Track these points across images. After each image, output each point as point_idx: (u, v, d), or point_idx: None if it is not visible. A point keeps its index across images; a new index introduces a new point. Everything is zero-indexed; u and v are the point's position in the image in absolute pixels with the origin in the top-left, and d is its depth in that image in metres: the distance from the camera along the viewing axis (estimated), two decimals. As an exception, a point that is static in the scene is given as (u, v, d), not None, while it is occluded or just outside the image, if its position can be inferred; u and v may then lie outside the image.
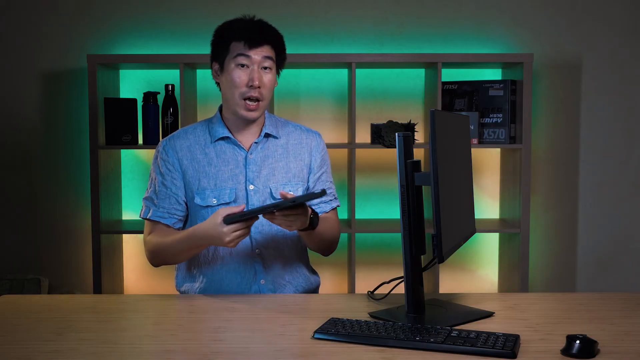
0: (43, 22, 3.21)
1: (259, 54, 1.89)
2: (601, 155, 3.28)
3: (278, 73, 2.00)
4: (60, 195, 3.26)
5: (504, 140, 3.04)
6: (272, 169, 1.97)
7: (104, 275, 3.01)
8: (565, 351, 1.34)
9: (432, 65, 3.05)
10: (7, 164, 3.26)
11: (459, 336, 1.39)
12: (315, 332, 1.46)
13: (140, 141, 3.15)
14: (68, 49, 3.22)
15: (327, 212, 2.04)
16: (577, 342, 1.33)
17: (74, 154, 3.25)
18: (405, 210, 1.59)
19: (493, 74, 3.26)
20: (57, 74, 3.23)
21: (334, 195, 2.07)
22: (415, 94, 3.27)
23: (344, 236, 3.27)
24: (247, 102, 1.89)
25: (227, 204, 1.92)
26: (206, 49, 2.06)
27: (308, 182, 2.03)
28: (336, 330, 1.45)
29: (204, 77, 3.20)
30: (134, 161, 3.27)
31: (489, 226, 3.08)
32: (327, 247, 2.03)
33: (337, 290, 3.32)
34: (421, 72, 3.26)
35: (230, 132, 1.97)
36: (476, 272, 3.35)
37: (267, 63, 1.91)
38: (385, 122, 3.12)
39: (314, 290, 2.11)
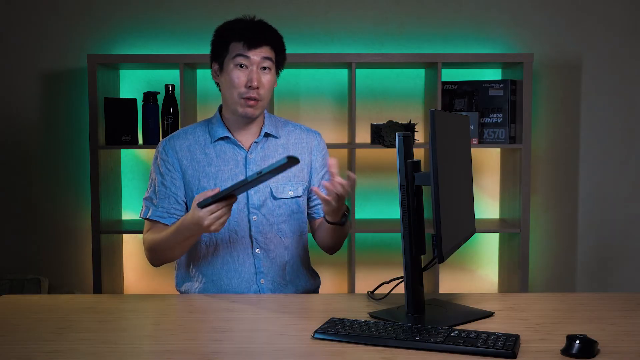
0: (43, 22, 3.21)
1: (258, 55, 1.89)
2: (601, 155, 3.28)
3: (278, 73, 2.00)
4: (60, 195, 3.26)
5: (504, 140, 3.04)
6: None
7: (104, 275, 3.01)
8: (565, 351, 1.34)
9: (432, 65, 3.05)
10: (7, 164, 3.26)
11: (459, 336, 1.39)
12: (315, 332, 1.46)
13: (140, 141, 3.15)
14: (68, 49, 3.22)
15: None
16: (577, 342, 1.33)
17: (74, 154, 3.25)
18: (405, 210, 1.58)
19: (493, 74, 3.26)
20: (57, 74, 3.23)
21: None
22: (415, 94, 3.27)
23: (344, 236, 3.27)
24: (248, 100, 1.89)
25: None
26: (206, 49, 2.06)
27: (310, 181, 2.03)
28: (336, 330, 1.45)
29: (204, 77, 3.20)
30: (134, 161, 3.28)
31: (489, 226, 3.08)
32: (338, 246, 2.04)
33: (337, 290, 3.32)
34: (421, 72, 3.26)
35: (230, 132, 1.97)
36: (476, 272, 3.35)
37: (266, 64, 1.91)
38: (385, 122, 3.12)
39: (314, 290, 2.11)
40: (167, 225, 1.94)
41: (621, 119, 3.27)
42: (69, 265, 3.27)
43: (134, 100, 3.06)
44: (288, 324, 1.57)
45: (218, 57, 1.94)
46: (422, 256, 1.64)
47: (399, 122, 3.05)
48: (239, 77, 1.89)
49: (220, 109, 2.02)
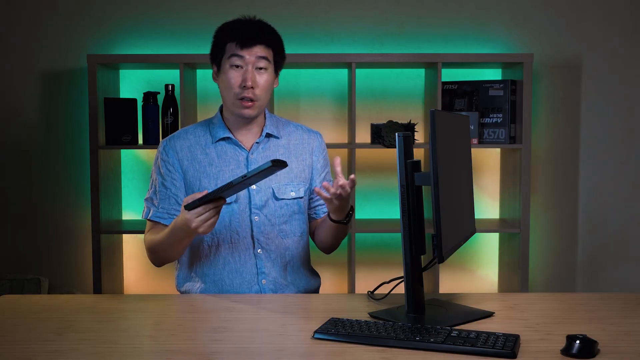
0: (43, 22, 3.21)
1: (252, 54, 1.89)
2: (601, 155, 3.28)
3: (277, 73, 1.99)
4: (60, 195, 3.26)
5: (504, 140, 3.04)
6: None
7: (104, 275, 3.01)
8: (565, 351, 1.34)
9: (432, 65, 3.05)
10: (7, 164, 3.26)
11: (459, 336, 1.39)
12: (315, 332, 1.46)
13: (140, 141, 3.15)
14: (68, 49, 3.22)
15: None
16: (577, 342, 1.33)
17: (74, 154, 3.25)
18: (405, 210, 1.58)
19: (493, 74, 3.26)
20: (57, 74, 3.23)
21: None
22: (415, 94, 3.27)
23: (344, 236, 3.27)
24: (242, 101, 1.89)
25: (229, 204, 1.92)
26: (206, 49, 2.06)
27: (312, 182, 2.03)
28: (336, 330, 1.45)
29: (204, 77, 3.20)
30: (134, 161, 3.27)
31: (489, 226, 3.08)
32: (336, 245, 2.05)
33: (337, 290, 3.32)
34: (421, 72, 3.26)
35: (231, 132, 1.97)
36: (476, 272, 3.35)
37: (262, 63, 1.90)
38: (385, 122, 3.12)
39: (315, 290, 2.11)
40: (167, 226, 1.94)
41: (621, 119, 3.27)
42: (69, 265, 3.27)
43: (134, 100, 3.06)
44: (288, 324, 1.57)
45: (215, 58, 1.95)
46: (422, 256, 1.64)
47: (399, 122, 3.05)
48: (234, 77, 1.89)
49: (221, 109, 2.02)
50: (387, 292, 1.78)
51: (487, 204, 3.33)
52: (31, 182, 3.26)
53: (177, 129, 3.02)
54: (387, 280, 1.81)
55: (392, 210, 3.28)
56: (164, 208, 1.95)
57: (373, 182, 3.27)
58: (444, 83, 3.12)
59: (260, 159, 1.96)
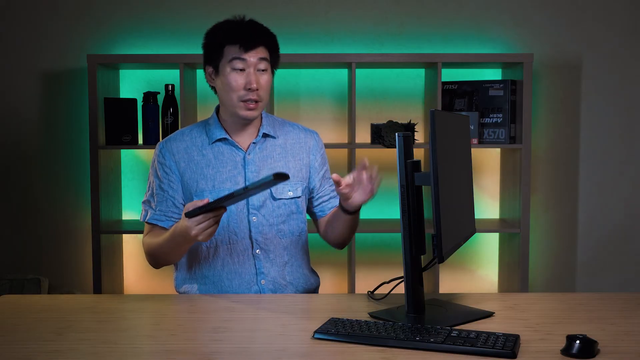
0: (43, 22, 3.21)
1: (255, 57, 1.89)
2: (601, 155, 3.28)
3: (273, 72, 1.99)
4: (60, 195, 3.26)
5: (504, 140, 3.04)
6: (271, 169, 1.96)
7: (104, 275, 3.01)
8: (565, 351, 1.34)
9: (432, 65, 3.05)
10: (7, 164, 3.26)
11: (459, 336, 1.39)
12: (315, 332, 1.46)
13: (140, 141, 3.15)
14: (68, 49, 3.22)
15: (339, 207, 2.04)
16: (577, 342, 1.33)
17: (74, 154, 3.25)
18: (405, 210, 1.59)
19: (493, 74, 3.26)
20: (57, 74, 3.23)
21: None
22: (415, 94, 3.27)
23: (344, 236, 3.27)
24: (247, 103, 1.89)
25: None
26: (206, 49, 2.05)
27: (310, 181, 2.03)
28: (336, 330, 1.45)
29: (204, 77, 3.20)
30: (134, 161, 3.28)
31: (489, 226, 3.08)
32: (349, 238, 2.04)
33: (337, 290, 3.32)
34: (421, 72, 3.26)
35: (228, 133, 1.97)
36: (476, 272, 3.35)
37: (263, 65, 1.90)
38: (385, 122, 3.12)
39: (314, 290, 2.11)
40: (165, 228, 1.94)
41: (621, 119, 3.27)
42: (69, 265, 3.27)
43: (134, 100, 3.06)
44: (288, 324, 1.57)
45: (212, 60, 1.93)
46: (422, 256, 1.64)
47: (399, 122, 3.05)
48: (237, 80, 1.88)
49: (217, 110, 2.01)
50: (387, 292, 1.78)
51: (487, 204, 3.33)
52: (31, 182, 3.26)
53: (177, 128, 3.02)
54: (387, 280, 1.81)
55: (392, 210, 3.28)
56: (162, 210, 1.95)
57: (373, 182, 3.27)
58: (444, 83, 3.12)
59: (257, 159, 1.96)
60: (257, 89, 1.88)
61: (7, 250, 3.27)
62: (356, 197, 1.82)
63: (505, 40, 3.25)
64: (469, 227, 1.83)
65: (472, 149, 3.10)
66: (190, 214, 1.67)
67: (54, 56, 3.22)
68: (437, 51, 3.23)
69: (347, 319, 1.51)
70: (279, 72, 3.22)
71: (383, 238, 3.29)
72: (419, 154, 3.21)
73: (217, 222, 1.70)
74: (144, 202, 1.99)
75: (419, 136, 3.20)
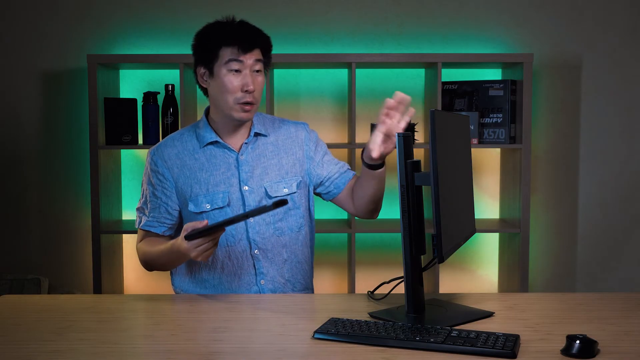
0: (43, 22, 3.21)
1: (251, 58, 1.88)
2: (601, 155, 3.28)
3: (266, 73, 1.99)
4: (60, 195, 3.26)
5: (504, 140, 3.04)
6: (265, 167, 1.96)
7: (104, 275, 3.01)
8: (565, 351, 1.34)
9: (432, 65, 3.05)
10: (7, 164, 3.26)
11: (459, 336, 1.39)
12: (315, 332, 1.46)
13: (140, 141, 3.15)
14: (68, 49, 3.22)
15: (352, 180, 2.04)
16: (577, 342, 1.33)
17: (74, 154, 3.25)
18: (405, 210, 1.59)
19: (493, 74, 3.26)
20: (57, 74, 3.23)
21: (348, 167, 2.08)
22: (415, 94, 3.27)
23: (343, 236, 3.27)
24: (243, 105, 1.89)
25: (221, 208, 1.92)
26: (206, 49, 2.05)
27: (311, 171, 2.02)
28: (336, 330, 1.45)
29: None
30: (134, 161, 3.28)
31: (489, 226, 3.08)
32: (381, 199, 2.00)
33: (337, 290, 3.32)
34: (421, 72, 3.26)
35: (219, 135, 1.96)
36: (476, 272, 3.35)
37: (258, 66, 1.90)
38: (385, 122, 3.12)
39: (311, 287, 2.10)
40: (158, 234, 1.96)
41: (621, 119, 3.27)
42: (69, 265, 3.27)
43: (134, 100, 3.06)
44: (288, 324, 1.57)
45: (206, 62, 1.91)
46: (422, 256, 1.64)
47: (399, 122, 3.05)
48: (233, 82, 1.87)
49: (207, 112, 2.01)
50: (387, 292, 1.78)
51: (487, 204, 3.33)
52: (31, 182, 3.26)
53: (177, 128, 3.02)
54: (387, 280, 1.81)
55: (392, 210, 3.28)
56: (155, 217, 1.96)
57: (373, 182, 3.27)
58: (444, 83, 3.12)
59: (250, 159, 1.95)
60: (253, 91, 1.88)
61: (7, 250, 3.27)
62: (385, 150, 1.82)
63: (505, 40, 3.25)
64: (469, 227, 1.83)
65: (472, 149, 3.10)
66: (189, 237, 1.69)
67: (54, 56, 3.22)
68: (437, 51, 3.23)
69: (347, 319, 1.51)
70: (279, 72, 3.23)
71: (383, 238, 3.29)
72: (419, 154, 3.21)
73: (216, 244, 1.72)
74: (137, 209, 2.02)
75: (419, 136, 3.20)
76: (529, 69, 2.98)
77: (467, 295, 1.83)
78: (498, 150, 3.30)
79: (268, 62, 1.97)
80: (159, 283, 3.26)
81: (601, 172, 3.29)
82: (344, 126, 3.27)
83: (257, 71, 1.90)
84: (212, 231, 1.68)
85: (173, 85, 3.07)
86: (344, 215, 3.23)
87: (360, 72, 3.22)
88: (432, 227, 1.52)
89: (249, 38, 1.88)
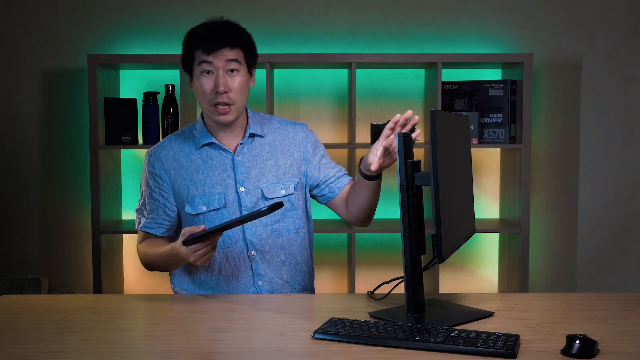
0: (43, 22, 3.21)
1: (221, 59, 1.85)
2: (601, 155, 3.28)
3: (251, 73, 1.96)
4: (60, 195, 3.26)
5: (504, 140, 3.04)
6: (262, 168, 1.96)
7: (104, 275, 3.01)
8: (565, 351, 1.34)
9: (432, 65, 3.05)
10: (7, 164, 3.26)
11: (459, 336, 1.39)
12: (315, 332, 1.46)
13: (140, 141, 3.15)
14: (68, 49, 3.22)
15: (348, 185, 2.05)
16: (577, 342, 1.33)
17: (74, 154, 3.25)
18: (405, 210, 1.59)
19: (493, 74, 3.26)
20: (57, 74, 3.23)
21: (344, 172, 2.08)
22: (415, 94, 3.27)
23: (343, 236, 3.27)
24: (218, 107, 1.87)
25: (217, 209, 1.92)
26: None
27: (307, 172, 2.01)
28: (336, 330, 1.45)
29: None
30: (134, 161, 3.28)
31: (489, 226, 3.08)
32: (374, 208, 2.03)
33: (337, 290, 3.32)
34: (421, 72, 3.26)
35: (214, 137, 1.96)
36: (476, 272, 3.35)
37: (233, 65, 1.87)
38: (385, 122, 3.12)
39: (311, 288, 2.10)
40: (157, 235, 1.98)
41: (621, 119, 3.27)
42: (69, 265, 3.27)
43: (134, 100, 3.06)
44: (288, 324, 1.57)
45: (186, 66, 1.92)
46: (422, 256, 1.64)
47: (399, 122, 3.05)
48: (206, 83, 1.86)
49: (203, 114, 2.01)
50: (387, 292, 1.78)
51: (487, 204, 3.33)
52: (31, 182, 3.26)
53: (177, 128, 3.02)
54: (387, 280, 1.81)
55: (392, 210, 3.28)
56: (153, 218, 1.97)
57: (373, 182, 3.27)
58: (444, 83, 3.12)
59: (246, 160, 1.95)
60: (225, 92, 1.86)
61: (7, 250, 3.27)
62: (384, 163, 1.83)
63: (505, 40, 3.25)
64: (469, 227, 1.83)
65: (472, 149, 3.10)
66: (186, 242, 1.70)
67: (54, 56, 3.22)
68: (437, 51, 3.23)
69: (347, 319, 1.51)
70: (279, 72, 3.23)
71: (383, 238, 3.29)
72: (419, 154, 3.21)
73: (214, 248, 1.73)
74: (137, 210, 2.03)
75: (419, 136, 3.20)
76: (529, 69, 2.98)
77: (467, 295, 1.83)
78: (498, 150, 3.30)
79: (251, 62, 1.93)
80: (159, 283, 3.26)
81: (601, 172, 3.29)
82: (344, 126, 3.27)
83: (233, 71, 1.87)
84: (209, 235, 1.69)
85: (173, 85, 3.07)
86: (344, 215, 3.23)
87: (360, 72, 3.22)
88: (432, 227, 1.52)
89: (216, 38, 1.86)
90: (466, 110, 3.09)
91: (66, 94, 3.24)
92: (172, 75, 3.18)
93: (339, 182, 2.04)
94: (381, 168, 1.85)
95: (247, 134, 1.96)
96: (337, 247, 3.31)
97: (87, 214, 3.20)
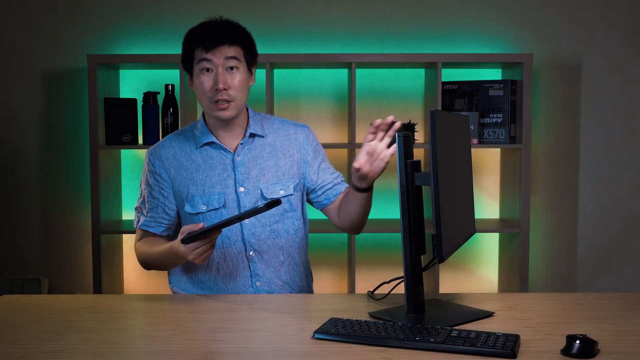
0: (43, 22, 3.21)
1: (220, 56, 1.86)
2: (601, 155, 3.28)
3: (252, 71, 1.96)
4: (60, 195, 3.26)
5: (504, 140, 3.04)
6: (262, 168, 1.95)
7: (104, 275, 3.01)
8: (565, 351, 1.34)
9: (432, 65, 3.05)
10: (7, 164, 3.26)
11: (459, 336, 1.39)
12: (315, 332, 1.46)
13: (140, 141, 3.15)
14: (68, 49, 3.22)
15: (344, 192, 2.03)
16: (577, 342, 1.33)
17: (74, 154, 3.25)
18: (405, 210, 1.59)
19: (493, 74, 3.26)
20: (57, 74, 3.23)
21: (341, 178, 2.07)
22: (415, 94, 3.27)
23: (343, 236, 3.27)
24: (218, 103, 1.88)
25: (217, 209, 1.91)
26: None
27: (306, 175, 2.01)
28: (336, 330, 1.45)
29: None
30: (134, 161, 3.28)
31: (489, 226, 3.08)
32: (365, 220, 2.00)
33: (337, 290, 3.32)
34: (421, 72, 3.26)
35: (215, 136, 1.96)
36: (476, 272, 3.35)
37: (232, 63, 1.88)
38: (385, 122, 3.12)
39: (309, 289, 2.10)
40: (156, 234, 1.97)
41: (621, 119, 3.28)
42: (69, 265, 3.27)
43: (134, 100, 3.06)
44: (288, 324, 1.57)
45: (187, 66, 1.93)
46: (422, 256, 1.64)
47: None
48: (206, 81, 1.87)
49: (204, 113, 2.01)
50: (387, 292, 1.78)
51: (487, 204, 3.33)
52: (31, 182, 3.26)
53: (177, 128, 3.01)
54: (387, 280, 1.81)
55: (392, 210, 3.28)
56: (152, 217, 1.96)
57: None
58: (444, 83, 3.12)
59: (246, 160, 1.95)
60: (225, 89, 1.86)
61: (7, 250, 3.27)
62: (370, 172, 1.79)
63: (505, 40, 3.25)
64: (469, 227, 1.83)
65: (472, 149, 3.10)
66: (185, 241, 1.70)
67: (54, 56, 3.22)
68: (437, 51, 3.23)
69: (347, 319, 1.51)
70: (279, 72, 3.23)
71: (383, 238, 3.29)
72: (419, 154, 3.21)
73: (212, 247, 1.73)
74: (136, 209, 2.02)
75: (419, 136, 3.20)
76: (529, 69, 2.98)
77: (467, 295, 1.83)
78: (498, 150, 3.30)
79: (250, 60, 1.94)
80: (159, 283, 3.26)
81: (601, 172, 3.29)
82: (344, 126, 3.27)
83: (232, 68, 1.88)
84: (208, 234, 1.69)
85: (173, 85, 3.07)
86: (344, 215, 3.23)
87: (360, 72, 3.22)
88: (432, 227, 1.52)
89: (215, 36, 1.87)
90: (466, 110, 3.09)
91: (66, 94, 3.24)
92: (172, 75, 3.19)
93: (335, 190, 2.03)
94: (370, 178, 1.80)
95: (248, 134, 1.96)
96: (337, 247, 3.31)
97: (87, 214, 3.20)
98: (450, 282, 3.30)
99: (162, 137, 2.97)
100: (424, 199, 1.62)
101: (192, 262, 1.74)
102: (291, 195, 1.98)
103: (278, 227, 1.96)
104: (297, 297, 1.86)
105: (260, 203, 1.58)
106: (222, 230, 1.91)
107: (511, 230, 3.03)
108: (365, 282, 3.08)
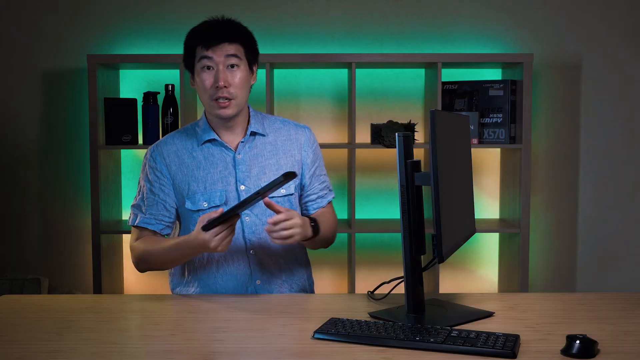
0: (43, 22, 3.21)
1: (220, 54, 1.87)
2: (601, 155, 3.28)
3: (253, 70, 1.97)
4: (60, 195, 3.26)
5: (504, 140, 3.04)
6: (262, 167, 1.96)
7: (104, 275, 3.01)
8: (565, 351, 1.34)
9: (432, 65, 3.05)
10: (6, 164, 3.26)
11: (459, 336, 1.39)
12: (315, 332, 1.46)
13: (140, 141, 3.15)
14: (68, 49, 3.22)
15: (324, 207, 2.03)
16: (577, 342, 1.33)
17: (74, 154, 3.25)
18: (405, 210, 1.59)
19: (493, 74, 3.26)
20: (57, 74, 3.23)
21: (328, 188, 2.07)
22: (415, 94, 3.27)
23: (343, 236, 3.27)
24: (219, 101, 1.88)
25: (218, 206, 1.91)
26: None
27: (302, 178, 2.02)
28: (336, 330, 1.45)
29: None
30: (134, 161, 3.28)
31: (489, 226, 3.08)
32: (328, 242, 2.04)
33: (337, 290, 3.32)
34: (421, 72, 3.26)
35: (217, 134, 1.96)
36: (476, 272, 3.35)
37: (233, 61, 1.88)
38: (385, 122, 3.12)
39: (310, 287, 2.09)
40: (156, 231, 1.94)
41: (621, 119, 3.28)
42: (69, 265, 3.27)
43: (134, 100, 3.06)
44: (288, 324, 1.57)
45: (188, 64, 1.94)
46: (422, 256, 1.64)
47: (399, 122, 3.05)
48: (206, 78, 1.88)
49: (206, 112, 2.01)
50: (387, 292, 1.78)
51: (487, 204, 3.33)
52: (31, 182, 3.26)
53: (177, 128, 3.01)
54: (387, 280, 1.81)
55: (392, 210, 3.28)
56: (152, 214, 1.94)
57: (373, 182, 3.27)
58: (444, 83, 3.12)
59: (247, 159, 1.95)
60: (225, 86, 1.87)
61: (7, 250, 3.27)
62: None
63: (505, 40, 3.25)
64: (469, 227, 1.83)
65: (472, 149, 3.10)
66: (206, 227, 1.68)
67: (54, 56, 3.22)
68: (437, 51, 3.23)
69: (347, 319, 1.51)
70: (279, 72, 3.23)
71: (383, 238, 3.29)
72: (419, 154, 3.21)
73: (233, 231, 1.71)
74: (133, 206, 1.98)
75: (419, 136, 3.20)
76: (529, 69, 2.98)
77: (467, 295, 1.83)
78: (498, 150, 3.30)
79: (251, 58, 1.95)
80: (159, 283, 3.26)
81: (601, 172, 3.29)
82: (344, 126, 3.27)
83: (233, 66, 1.88)
84: (227, 217, 1.66)
85: (173, 85, 3.07)
86: (343, 215, 3.23)
87: (360, 72, 3.22)
88: (432, 227, 1.52)
89: (215, 34, 1.87)
90: (466, 110, 3.09)
91: (66, 94, 3.24)
92: (172, 75, 3.18)
93: (317, 203, 2.04)
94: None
95: (249, 132, 1.96)
96: (337, 247, 3.30)
97: (87, 214, 3.20)
98: (450, 282, 3.30)
99: (162, 137, 2.97)
100: (424, 199, 1.62)
101: (213, 250, 1.70)
102: (292, 194, 1.98)
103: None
104: (297, 297, 1.86)
105: (278, 177, 1.56)
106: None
107: (511, 230, 3.03)
108: (365, 282, 3.08)
